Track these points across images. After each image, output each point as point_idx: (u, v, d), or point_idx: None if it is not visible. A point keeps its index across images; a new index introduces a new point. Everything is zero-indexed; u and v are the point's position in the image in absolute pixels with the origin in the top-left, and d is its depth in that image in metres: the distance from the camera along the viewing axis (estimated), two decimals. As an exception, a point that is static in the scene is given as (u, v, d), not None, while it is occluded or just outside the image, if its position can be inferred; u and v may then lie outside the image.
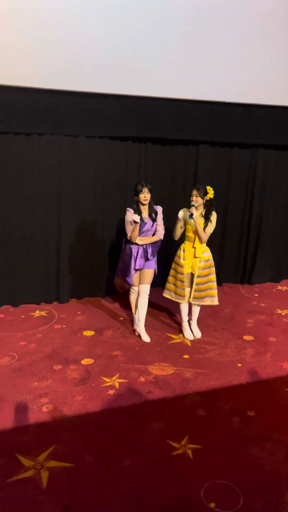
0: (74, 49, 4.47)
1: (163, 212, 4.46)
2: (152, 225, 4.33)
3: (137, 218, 4.16)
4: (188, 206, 4.33)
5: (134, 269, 4.35)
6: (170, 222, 5.72)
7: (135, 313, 4.67)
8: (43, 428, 3.10)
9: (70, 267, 5.43)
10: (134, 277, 4.44)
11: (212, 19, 4.85)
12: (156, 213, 4.35)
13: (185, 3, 4.71)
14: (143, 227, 4.26)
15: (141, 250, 4.33)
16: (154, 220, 4.33)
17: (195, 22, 4.79)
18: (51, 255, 5.31)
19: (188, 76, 4.98)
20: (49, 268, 5.34)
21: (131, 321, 4.87)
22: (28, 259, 5.22)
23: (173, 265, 4.53)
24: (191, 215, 4.22)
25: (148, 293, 4.49)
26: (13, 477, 2.67)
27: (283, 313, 5.32)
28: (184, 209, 4.42)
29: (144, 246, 4.34)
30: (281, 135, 5.81)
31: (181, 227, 4.44)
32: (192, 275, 4.45)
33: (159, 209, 4.38)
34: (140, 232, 4.27)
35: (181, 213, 4.40)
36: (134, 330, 4.67)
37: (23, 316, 5.02)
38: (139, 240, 4.29)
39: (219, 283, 5.81)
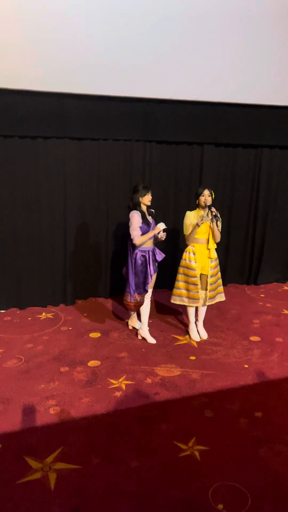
0: (77, 52, 4.49)
1: (167, 214, 4.45)
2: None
3: (163, 225, 4.10)
4: (194, 207, 4.32)
5: (151, 275, 4.26)
6: (175, 222, 5.73)
7: (141, 320, 4.61)
8: (51, 430, 3.11)
9: (76, 270, 5.45)
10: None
11: (215, 20, 4.85)
12: (152, 213, 4.34)
13: (187, 4, 4.72)
14: (149, 227, 4.22)
15: (151, 253, 4.28)
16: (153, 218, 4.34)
17: (198, 23, 4.80)
18: (57, 257, 5.33)
19: (192, 78, 4.98)
20: (55, 271, 5.36)
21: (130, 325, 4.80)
22: (34, 262, 5.24)
23: (181, 269, 4.40)
24: (215, 216, 4.16)
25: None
26: (21, 479, 2.68)
27: (290, 314, 5.30)
28: (190, 212, 4.29)
29: (152, 248, 4.30)
30: (285, 136, 5.80)
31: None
32: (203, 276, 4.40)
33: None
34: (144, 232, 4.16)
35: (194, 217, 4.25)
36: (137, 334, 4.62)
37: (29, 319, 5.04)
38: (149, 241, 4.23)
39: (225, 283, 5.80)
